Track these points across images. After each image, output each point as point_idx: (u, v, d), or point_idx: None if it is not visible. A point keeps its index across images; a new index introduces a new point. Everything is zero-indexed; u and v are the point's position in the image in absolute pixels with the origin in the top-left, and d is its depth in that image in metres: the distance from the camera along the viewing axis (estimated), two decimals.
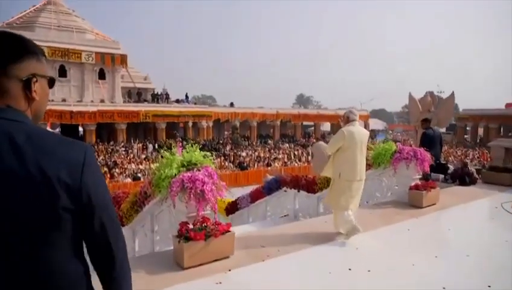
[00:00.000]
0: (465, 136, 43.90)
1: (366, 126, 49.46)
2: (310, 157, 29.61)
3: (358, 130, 4.58)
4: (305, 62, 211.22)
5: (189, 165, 3.73)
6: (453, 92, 8.35)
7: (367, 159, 6.50)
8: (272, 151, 30.72)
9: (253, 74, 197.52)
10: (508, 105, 42.72)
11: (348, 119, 4.65)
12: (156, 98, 31.48)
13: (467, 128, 43.64)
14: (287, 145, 35.15)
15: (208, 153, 3.93)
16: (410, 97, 9.12)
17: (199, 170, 3.65)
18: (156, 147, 28.02)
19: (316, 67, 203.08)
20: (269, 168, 24.19)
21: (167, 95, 32.21)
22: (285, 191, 8.54)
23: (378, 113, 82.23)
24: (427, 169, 5.83)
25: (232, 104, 39.00)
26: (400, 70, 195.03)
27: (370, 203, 6.75)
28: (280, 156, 27.95)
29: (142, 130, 31.78)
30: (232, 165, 24.20)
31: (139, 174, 20.30)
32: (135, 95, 31.51)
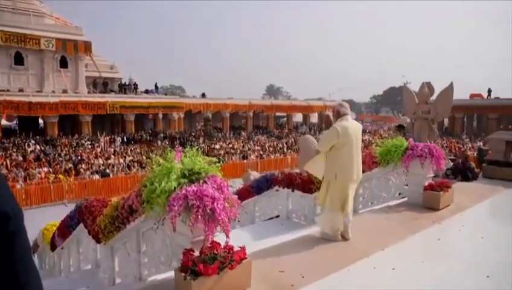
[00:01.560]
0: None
1: None
2: (285, 149, 29.17)
3: (352, 125, 4.01)
4: (275, 53, 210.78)
5: (191, 175, 2.91)
6: (451, 82, 7.95)
7: (374, 157, 5.96)
8: (246, 143, 29.99)
9: (223, 64, 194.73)
10: (472, 95, 44.26)
11: (338, 114, 4.07)
12: (123, 88, 29.79)
13: None
14: (262, 136, 34.55)
15: (214, 158, 3.13)
16: (406, 89, 8.65)
17: (205, 182, 2.85)
18: (125, 140, 26.55)
19: (285, 58, 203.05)
20: (245, 161, 23.47)
21: (135, 85, 30.57)
22: (277, 190, 7.84)
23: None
24: (443, 167, 5.32)
25: (203, 95, 37.83)
26: (368, 62, 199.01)
27: (375, 203, 6.19)
28: (256, 148, 27.26)
29: (108, 122, 30.04)
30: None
31: (108, 170, 18.96)
32: (101, 85, 29.63)
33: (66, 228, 5.95)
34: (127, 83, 31.12)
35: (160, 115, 31.02)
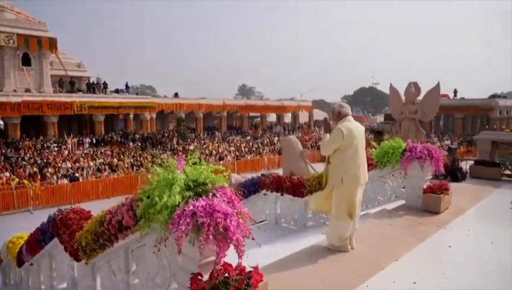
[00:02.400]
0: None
1: (310, 116, 50.40)
2: (261, 149, 28.90)
3: (356, 126, 3.77)
4: (247, 52, 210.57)
5: (196, 187, 2.52)
6: (438, 82, 7.94)
7: (370, 159, 5.75)
8: (221, 143, 29.49)
9: (194, 63, 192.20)
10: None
11: (340, 115, 3.80)
12: (92, 87, 28.45)
13: None
14: (236, 137, 34.15)
15: (220, 166, 2.75)
16: (392, 88, 8.57)
17: (215, 195, 2.46)
18: (94, 142, 25.38)
19: (257, 58, 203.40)
20: (221, 162, 23.00)
21: (105, 84, 29.29)
22: (264, 194, 7.52)
23: (318, 104, 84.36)
24: (442, 169, 5.17)
25: (176, 95, 36.95)
26: (338, 62, 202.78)
27: (370, 207, 6.00)
28: (231, 149, 26.83)
29: (76, 123, 28.69)
30: None
31: (77, 174, 17.93)
32: (67, 84, 28.17)
33: (36, 243, 5.33)
34: (96, 82, 29.79)
35: (132, 116, 29.95)
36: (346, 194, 3.66)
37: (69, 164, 19.40)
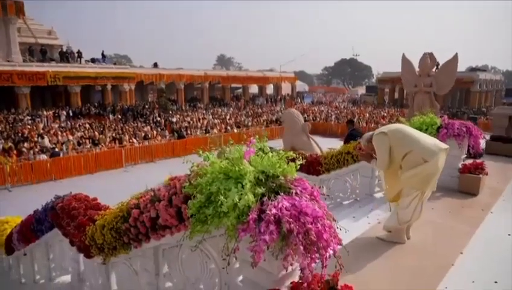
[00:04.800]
0: (384, 97, 46.53)
1: (293, 88, 49.73)
2: (246, 122, 28.28)
3: (389, 125, 3.50)
4: (224, 22, 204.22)
5: (268, 181, 1.98)
6: (456, 54, 7.50)
7: None
8: (206, 115, 28.60)
9: (170, 33, 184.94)
10: None
11: (370, 137, 3.46)
12: (65, 56, 26.61)
13: (386, 90, 46.14)
14: (220, 108, 33.27)
15: (291, 153, 2.19)
16: (404, 59, 8.03)
17: (296, 193, 1.92)
18: (71, 114, 24.01)
19: (234, 28, 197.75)
20: (208, 135, 22.31)
21: (79, 53, 27.46)
22: None
23: (298, 75, 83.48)
24: (481, 149, 4.81)
25: (155, 65, 35.34)
26: (319, 33, 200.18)
27: None
28: (216, 121, 26.04)
29: (49, 95, 26.98)
30: (166, 134, 21.67)
31: (57, 149, 16.84)
32: (38, 52, 26.20)
33: (30, 233, 4.68)
34: (69, 51, 27.90)
35: (109, 87, 28.43)
36: (432, 168, 3.17)
37: (47, 139, 18.20)
